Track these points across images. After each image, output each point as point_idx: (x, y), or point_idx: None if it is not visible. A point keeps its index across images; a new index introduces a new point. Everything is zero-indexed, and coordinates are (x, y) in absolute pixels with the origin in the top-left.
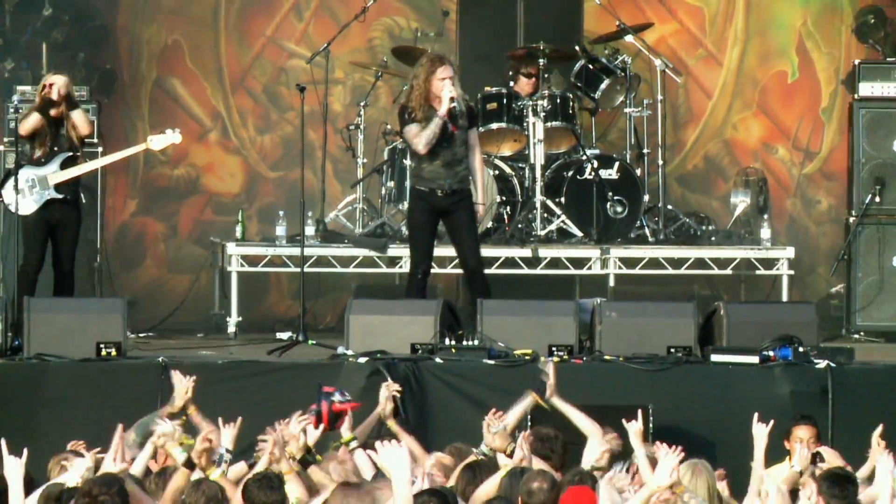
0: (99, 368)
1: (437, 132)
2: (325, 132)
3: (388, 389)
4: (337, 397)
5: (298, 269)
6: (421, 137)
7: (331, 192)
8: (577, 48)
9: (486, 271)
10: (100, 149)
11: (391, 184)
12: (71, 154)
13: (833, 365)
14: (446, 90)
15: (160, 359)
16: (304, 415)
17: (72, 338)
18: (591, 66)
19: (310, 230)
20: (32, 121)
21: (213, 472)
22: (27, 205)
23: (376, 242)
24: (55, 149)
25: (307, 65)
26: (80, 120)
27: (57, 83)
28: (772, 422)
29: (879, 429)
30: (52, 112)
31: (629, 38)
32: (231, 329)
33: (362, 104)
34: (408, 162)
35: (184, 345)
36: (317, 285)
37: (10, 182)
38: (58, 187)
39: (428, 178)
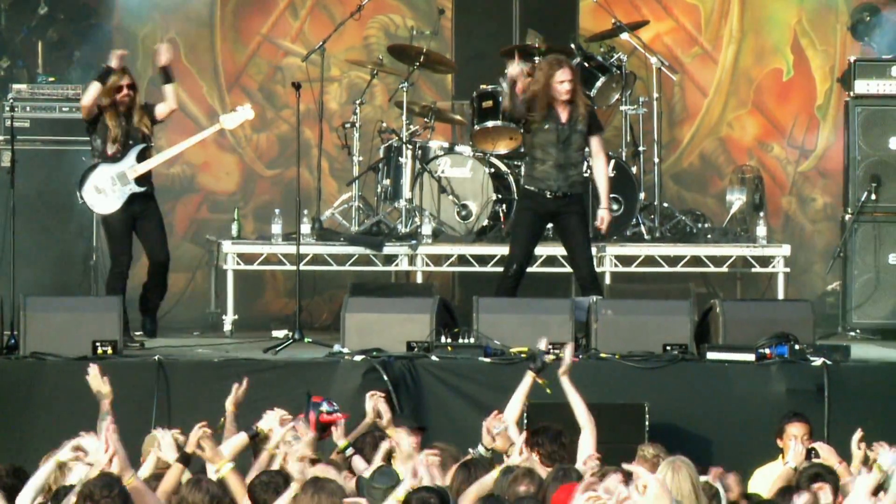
0: None
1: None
2: (321, 130)
3: (372, 399)
4: (325, 408)
5: (294, 268)
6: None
7: (327, 190)
8: (572, 46)
9: (482, 269)
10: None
11: (387, 182)
12: (144, 146)
13: (829, 362)
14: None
15: (156, 357)
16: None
17: (68, 336)
18: (586, 64)
19: (306, 228)
20: (91, 93)
21: (223, 465)
22: (110, 204)
23: (372, 240)
24: (129, 142)
25: (303, 63)
26: (172, 95)
27: (163, 55)
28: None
29: (858, 434)
30: (118, 96)
31: (625, 36)
32: (227, 327)
33: (358, 102)
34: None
35: (180, 343)
36: (313, 283)
37: (90, 182)
38: (137, 180)
39: (539, 178)
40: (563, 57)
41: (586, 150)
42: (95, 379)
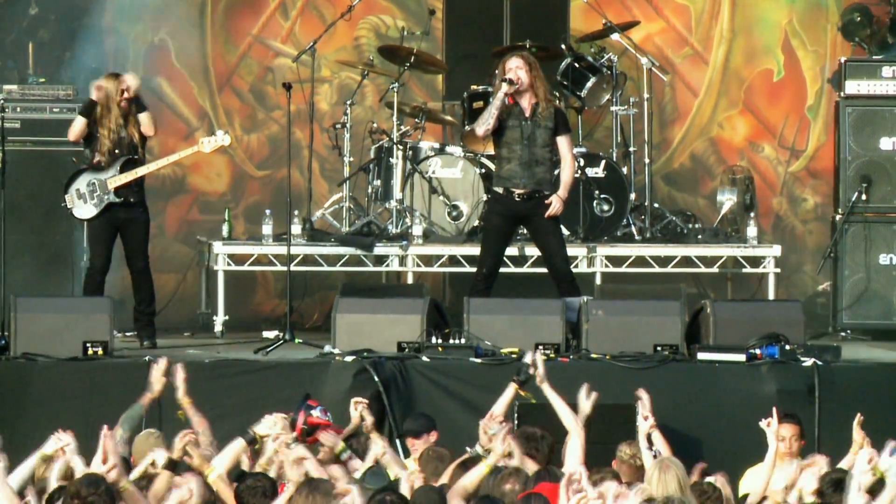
0: (85, 368)
1: (495, 111)
2: (312, 131)
3: (356, 405)
4: (316, 413)
5: (285, 268)
6: (479, 119)
7: (317, 191)
8: (563, 46)
9: (472, 270)
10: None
11: (378, 182)
12: (130, 157)
13: (820, 363)
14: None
15: (146, 358)
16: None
17: (58, 337)
18: (577, 65)
19: (296, 229)
20: (77, 127)
21: (211, 472)
22: (88, 210)
23: (363, 241)
24: (116, 152)
25: (293, 64)
26: (146, 122)
27: (131, 84)
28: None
29: (859, 419)
30: (99, 117)
31: (615, 37)
32: (218, 328)
33: (349, 103)
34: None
35: (171, 344)
36: (303, 284)
37: (73, 187)
38: (117, 191)
39: (505, 177)
40: (518, 52)
41: (555, 149)
42: (158, 372)
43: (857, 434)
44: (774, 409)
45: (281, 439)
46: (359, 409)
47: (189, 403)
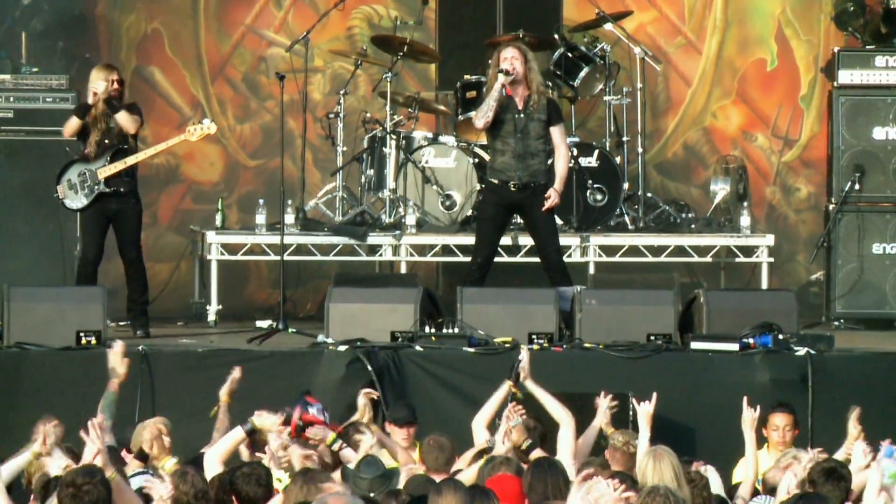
0: (79, 357)
1: (493, 103)
2: (305, 120)
3: (366, 397)
4: (312, 410)
5: (278, 258)
6: (478, 112)
7: (310, 181)
8: (556, 36)
9: (466, 259)
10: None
11: (371, 172)
12: (119, 147)
13: (813, 352)
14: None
15: (140, 347)
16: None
17: (52, 327)
18: (570, 55)
19: (289, 218)
20: (71, 125)
21: (166, 461)
22: (79, 200)
23: (356, 231)
24: (105, 142)
25: (287, 53)
26: (124, 122)
27: (96, 87)
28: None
29: (856, 412)
30: (92, 113)
31: (608, 27)
32: (211, 317)
33: (342, 93)
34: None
35: (164, 333)
36: (297, 274)
37: (65, 178)
38: (108, 181)
39: (499, 169)
40: (512, 42)
41: (549, 139)
42: (116, 356)
43: (853, 427)
44: (745, 399)
45: (283, 438)
46: (366, 399)
47: (226, 403)
